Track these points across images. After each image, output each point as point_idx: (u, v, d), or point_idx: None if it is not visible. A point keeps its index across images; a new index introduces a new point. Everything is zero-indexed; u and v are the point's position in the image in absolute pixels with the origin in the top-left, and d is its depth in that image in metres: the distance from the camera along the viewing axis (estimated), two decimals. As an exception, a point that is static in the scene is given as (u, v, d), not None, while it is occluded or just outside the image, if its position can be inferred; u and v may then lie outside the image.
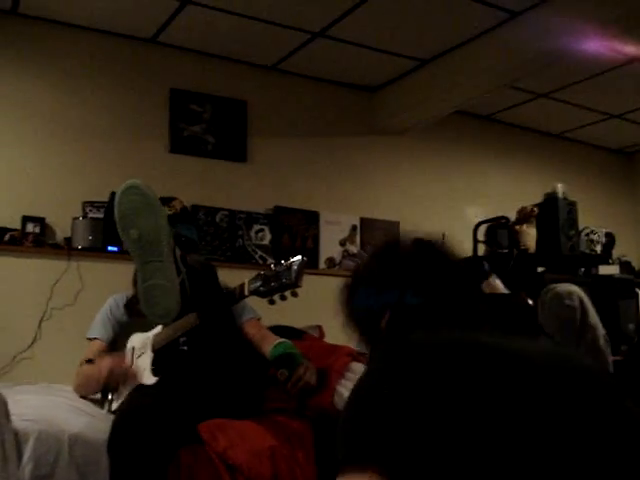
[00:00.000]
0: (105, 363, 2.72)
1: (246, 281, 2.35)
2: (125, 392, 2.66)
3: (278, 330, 3.04)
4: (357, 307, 1.51)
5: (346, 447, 0.93)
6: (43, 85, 4.18)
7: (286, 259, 2.30)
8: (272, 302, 2.32)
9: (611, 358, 3.35)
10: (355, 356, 3.19)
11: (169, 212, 2.96)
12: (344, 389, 2.84)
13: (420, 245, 1.49)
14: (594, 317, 3.31)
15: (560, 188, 5.07)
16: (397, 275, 1.46)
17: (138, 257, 2.54)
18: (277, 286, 2.24)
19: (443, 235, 5.30)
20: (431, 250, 1.48)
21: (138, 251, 2.53)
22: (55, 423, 2.43)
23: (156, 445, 2.27)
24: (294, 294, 2.27)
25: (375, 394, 0.91)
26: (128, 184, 2.53)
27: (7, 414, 2.28)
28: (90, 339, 2.95)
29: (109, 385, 2.72)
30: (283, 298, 2.27)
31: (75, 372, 2.87)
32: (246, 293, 2.35)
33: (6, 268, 3.86)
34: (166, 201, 3.03)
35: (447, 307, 1.42)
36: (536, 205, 5.24)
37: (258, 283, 2.29)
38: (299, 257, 2.24)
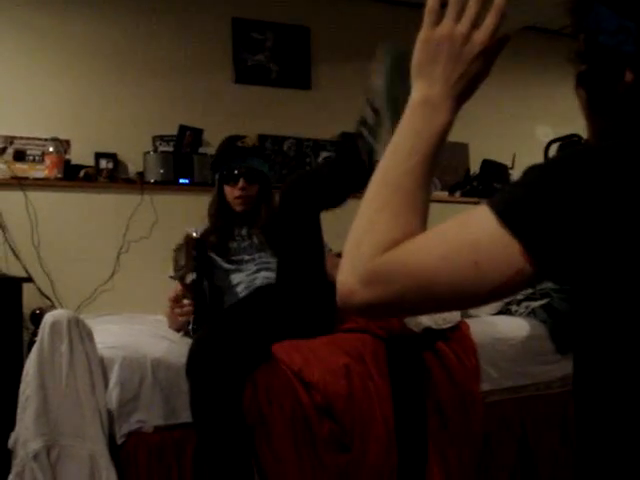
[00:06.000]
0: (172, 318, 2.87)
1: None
2: None
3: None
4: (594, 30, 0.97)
5: (509, 210, 0.87)
6: (108, 22, 4.19)
7: None
8: None
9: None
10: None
11: (241, 145, 2.98)
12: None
13: None
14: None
15: (634, 101, 4.91)
16: None
17: None
18: None
19: (514, 155, 5.21)
20: None
21: None
22: (138, 349, 2.52)
23: (233, 367, 2.34)
24: None
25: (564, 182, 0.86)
26: None
27: (93, 342, 2.39)
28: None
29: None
30: None
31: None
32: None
33: (83, 204, 3.96)
34: (238, 138, 3.04)
35: None
36: (609, 120, 5.09)
37: None
38: None
